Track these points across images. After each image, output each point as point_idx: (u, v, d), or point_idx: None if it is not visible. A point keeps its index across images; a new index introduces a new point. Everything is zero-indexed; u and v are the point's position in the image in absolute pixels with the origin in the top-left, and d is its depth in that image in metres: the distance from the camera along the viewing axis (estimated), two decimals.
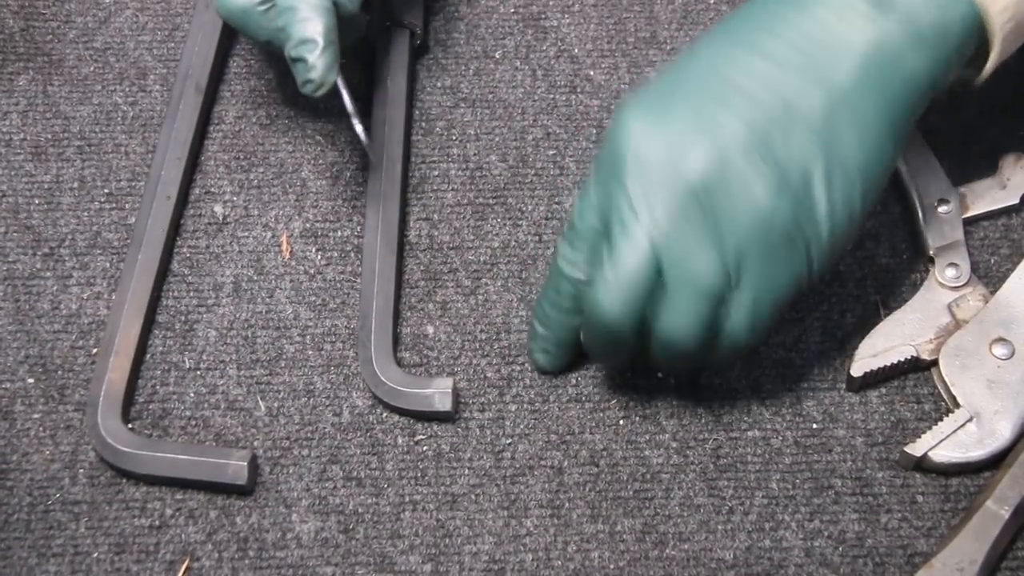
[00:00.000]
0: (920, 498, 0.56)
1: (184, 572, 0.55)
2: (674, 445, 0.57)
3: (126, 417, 0.57)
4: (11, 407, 0.58)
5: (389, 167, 0.62)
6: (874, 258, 0.61)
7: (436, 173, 0.64)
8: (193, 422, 0.58)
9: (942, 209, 0.60)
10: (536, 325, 0.57)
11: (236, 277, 0.61)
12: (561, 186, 0.64)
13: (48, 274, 0.61)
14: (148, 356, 0.59)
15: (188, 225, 0.63)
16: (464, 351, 0.60)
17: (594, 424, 0.58)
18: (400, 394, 0.57)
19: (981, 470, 0.56)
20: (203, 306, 0.61)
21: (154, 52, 0.68)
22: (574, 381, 0.58)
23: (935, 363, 0.57)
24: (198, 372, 0.59)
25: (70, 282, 0.61)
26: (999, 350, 0.56)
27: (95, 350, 0.59)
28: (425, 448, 0.57)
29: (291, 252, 0.62)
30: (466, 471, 0.57)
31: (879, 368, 0.57)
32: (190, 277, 0.61)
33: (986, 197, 0.61)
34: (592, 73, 0.67)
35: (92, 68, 0.67)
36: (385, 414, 0.58)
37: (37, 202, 0.63)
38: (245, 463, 0.55)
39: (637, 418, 0.58)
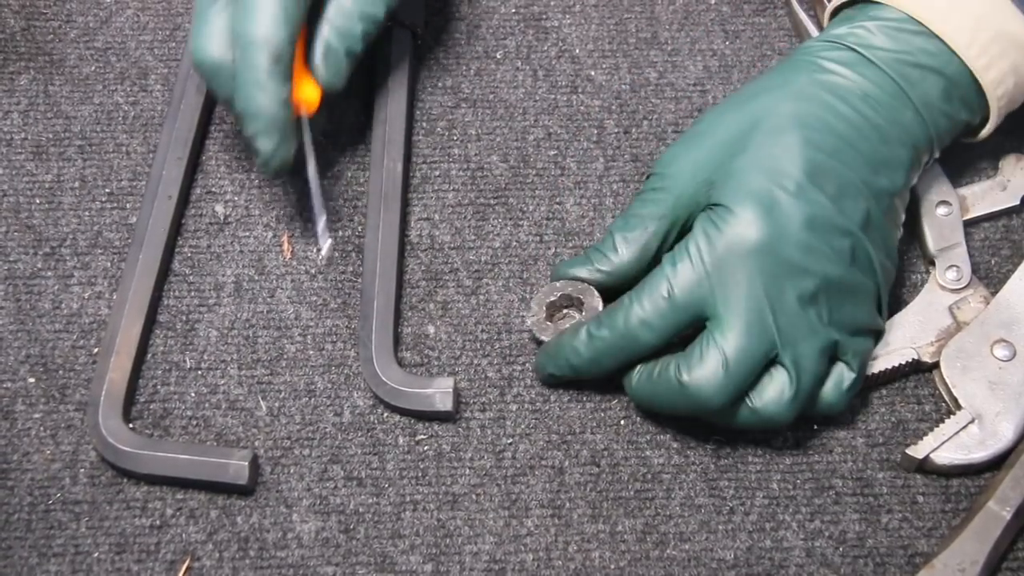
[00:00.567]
0: (921, 499, 0.56)
1: (185, 572, 0.55)
2: (675, 445, 0.57)
3: (127, 417, 0.57)
4: (12, 407, 0.58)
5: (390, 167, 0.62)
6: None
7: (437, 173, 0.64)
8: (194, 422, 0.58)
9: (942, 211, 0.60)
10: (568, 360, 0.56)
11: (237, 277, 0.61)
12: (562, 186, 0.64)
13: (49, 274, 0.61)
14: (149, 356, 0.59)
15: (189, 225, 0.63)
16: (465, 351, 0.60)
17: (595, 424, 0.58)
18: (401, 394, 0.57)
19: (983, 471, 0.56)
20: (204, 306, 0.61)
21: (155, 52, 0.68)
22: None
23: (936, 365, 0.57)
24: (199, 372, 0.59)
25: (71, 282, 0.61)
26: (1000, 352, 0.56)
27: (96, 350, 0.59)
28: (426, 448, 0.57)
29: (292, 252, 0.62)
30: (467, 471, 0.57)
31: (880, 371, 0.57)
32: (191, 277, 0.61)
33: (986, 199, 0.62)
34: (593, 73, 0.67)
35: (93, 68, 0.67)
36: (386, 414, 0.58)
37: (38, 201, 0.63)
38: (246, 463, 0.55)
39: (638, 418, 0.58)
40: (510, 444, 0.57)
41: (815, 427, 0.57)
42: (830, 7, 0.60)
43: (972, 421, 0.55)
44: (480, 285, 0.61)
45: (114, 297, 0.60)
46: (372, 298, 0.59)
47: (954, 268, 0.59)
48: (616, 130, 0.65)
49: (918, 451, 0.55)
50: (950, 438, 0.55)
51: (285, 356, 0.59)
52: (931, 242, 0.60)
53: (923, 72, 0.55)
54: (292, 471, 0.57)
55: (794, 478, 0.56)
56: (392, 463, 0.57)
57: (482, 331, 0.60)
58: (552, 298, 0.57)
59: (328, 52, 0.57)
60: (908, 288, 0.60)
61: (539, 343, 0.58)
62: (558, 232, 0.62)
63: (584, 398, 0.58)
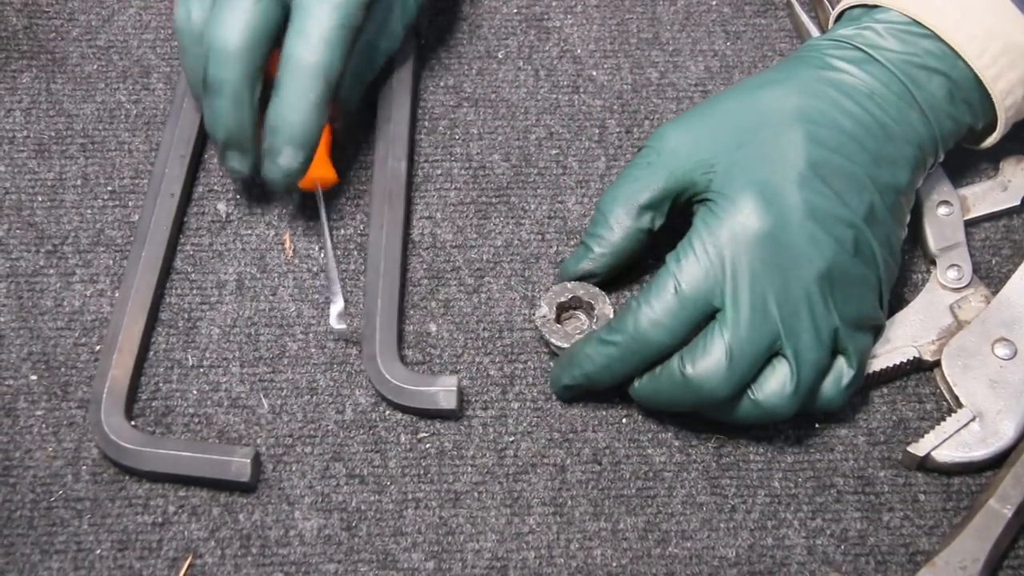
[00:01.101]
0: (922, 497, 0.56)
1: (187, 569, 0.55)
2: (676, 443, 0.57)
3: (129, 414, 0.57)
4: (14, 404, 0.58)
5: (394, 165, 0.62)
6: None
7: (439, 172, 0.64)
8: (196, 419, 0.58)
9: (943, 211, 0.61)
10: (582, 368, 0.55)
11: (239, 275, 0.61)
12: (564, 185, 0.64)
13: (51, 271, 0.61)
14: (151, 353, 0.59)
15: (191, 223, 0.63)
16: (467, 349, 0.60)
17: (597, 422, 0.58)
18: (404, 392, 0.57)
19: (984, 470, 0.56)
20: (206, 303, 0.61)
21: (157, 50, 0.68)
22: None
23: (937, 364, 0.57)
24: (201, 369, 0.59)
25: (73, 279, 0.61)
26: (1001, 350, 0.56)
27: (98, 347, 0.59)
28: (428, 446, 0.57)
29: (294, 250, 0.62)
30: (469, 469, 0.57)
31: (882, 369, 0.57)
32: (193, 275, 0.61)
33: (987, 199, 0.62)
34: (595, 73, 0.67)
35: (95, 66, 0.67)
36: (388, 412, 0.58)
37: (40, 199, 0.63)
38: (248, 460, 0.55)
39: (640, 416, 0.58)
40: (512, 442, 0.57)
41: (816, 425, 0.57)
42: (836, 10, 0.60)
43: (973, 419, 0.55)
44: (482, 284, 0.61)
45: (116, 295, 0.60)
46: (375, 296, 0.59)
47: (955, 267, 0.59)
48: (618, 129, 0.65)
49: (919, 449, 0.55)
50: (951, 436, 0.55)
51: (287, 354, 0.59)
52: (932, 242, 0.60)
53: (929, 74, 0.55)
54: (294, 469, 0.57)
55: (795, 476, 0.56)
56: (394, 461, 0.57)
57: (484, 329, 0.60)
58: (563, 299, 0.57)
59: (352, 84, 0.61)
60: (909, 287, 0.61)
61: (545, 342, 0.58)
62: (560, 231, 0.63)
63: (586, 396, 0.58)
